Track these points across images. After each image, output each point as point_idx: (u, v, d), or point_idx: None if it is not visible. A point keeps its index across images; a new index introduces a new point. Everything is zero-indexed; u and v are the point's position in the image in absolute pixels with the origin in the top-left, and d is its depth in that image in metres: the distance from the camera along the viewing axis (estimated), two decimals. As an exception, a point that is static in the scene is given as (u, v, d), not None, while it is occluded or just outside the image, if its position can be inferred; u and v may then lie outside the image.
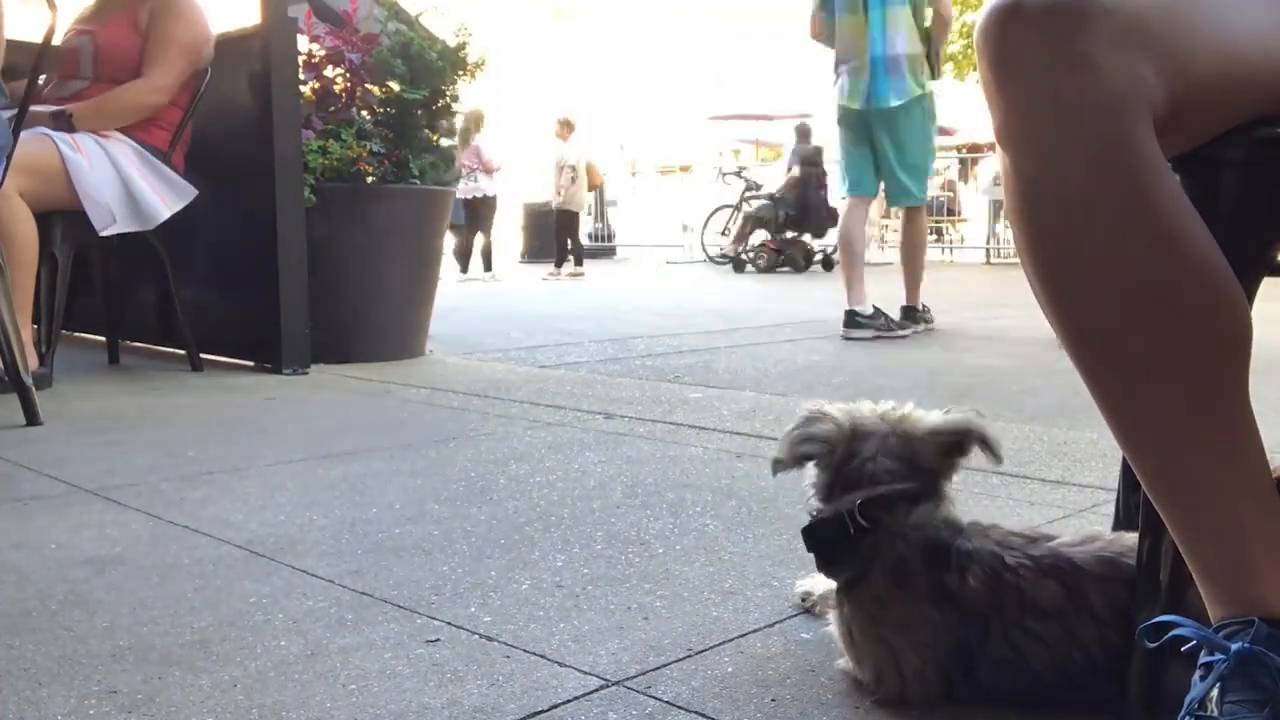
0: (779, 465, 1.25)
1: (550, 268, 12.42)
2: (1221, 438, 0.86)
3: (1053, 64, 0.83)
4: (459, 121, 4.39)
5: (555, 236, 12.69)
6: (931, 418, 1.22)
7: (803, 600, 1.46)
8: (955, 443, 1.20)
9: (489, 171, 11.45)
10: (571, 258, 12.34)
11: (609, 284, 10.71)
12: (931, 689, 1.14)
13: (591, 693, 1.20)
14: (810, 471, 1.25)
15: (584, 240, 15.85)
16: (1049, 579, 1.10)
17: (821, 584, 1.43)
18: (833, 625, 1.26)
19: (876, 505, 1.17)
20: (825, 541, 1.21)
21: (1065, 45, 0.83)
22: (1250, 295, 0.91)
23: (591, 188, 13.94)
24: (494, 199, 11.79)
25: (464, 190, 11.05)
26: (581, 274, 12.02)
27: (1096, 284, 0.85)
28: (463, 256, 11.71)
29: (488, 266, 11.77)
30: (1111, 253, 0.84)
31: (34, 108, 3.28)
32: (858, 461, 1.20)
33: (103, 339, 4.21)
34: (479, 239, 11.75)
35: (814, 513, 1.24)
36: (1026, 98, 0.85)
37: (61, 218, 3.52)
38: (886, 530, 1.16)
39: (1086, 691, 1.09)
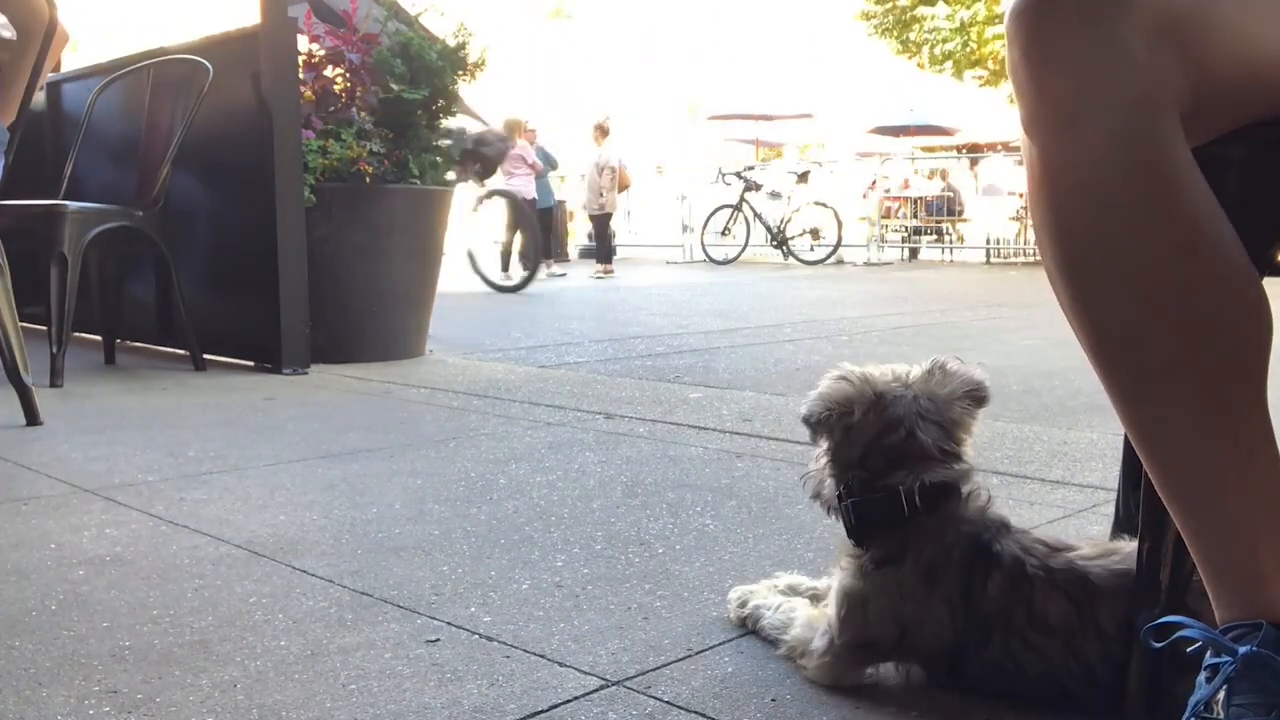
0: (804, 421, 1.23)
1: (597, 267, 12.59)
2: (1237, 441, 0.85)
3: (1089, 52, 0.81)
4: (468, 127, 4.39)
5: (595, 238, 12.85)
6: (955, 378, 1.20)
7: (740, 607, 1.38)
8: (978, 397, 1.20)
9: (537, 174, 11.59)
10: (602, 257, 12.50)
11: (609, 284, 10.71)
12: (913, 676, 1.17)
13: (591, 693, 1.20)
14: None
15: (584, 240, 16.03)
16: (1059, 593, 1.09)
17: (760, 594, 1.39)
18: (833, 581, 1.22)
19: (938, 491, 1.14)
20: (874, 520, 1.17)
21: (1103, 34, 0.81)
22: None
23: (621, 189, 14.04)
24: (534, 201, 11.86)
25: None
26: (611, 273, 12.14)
27: (1121, 282, 0.84)
28: (506, 256, 11.78)
29: (505, 266, 11.82)
30: (1138, 251, 0.82)
31: None
32: (901, 433, 1.16)
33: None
34: (518, 239, 11.76)
35: (816, 471, 1.22)
36: (1060, 85, 0.83)
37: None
38: (941, 517, 1.15)
39: (1080, 701, 1.09)
